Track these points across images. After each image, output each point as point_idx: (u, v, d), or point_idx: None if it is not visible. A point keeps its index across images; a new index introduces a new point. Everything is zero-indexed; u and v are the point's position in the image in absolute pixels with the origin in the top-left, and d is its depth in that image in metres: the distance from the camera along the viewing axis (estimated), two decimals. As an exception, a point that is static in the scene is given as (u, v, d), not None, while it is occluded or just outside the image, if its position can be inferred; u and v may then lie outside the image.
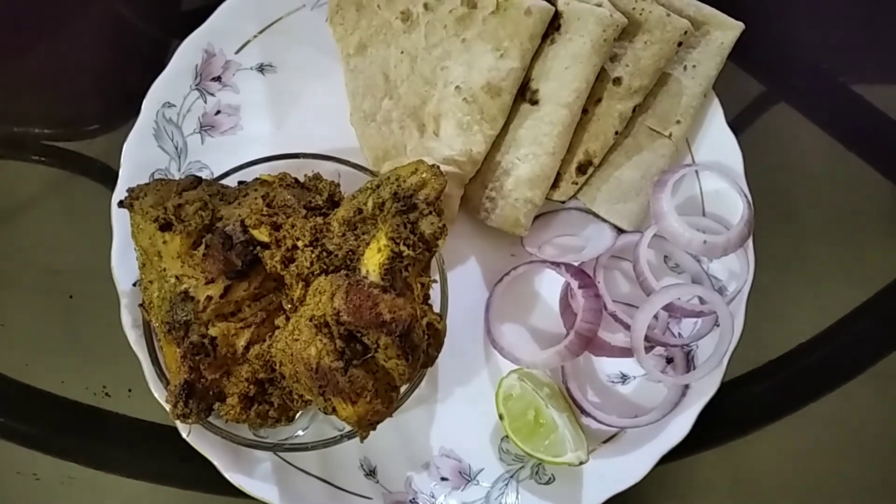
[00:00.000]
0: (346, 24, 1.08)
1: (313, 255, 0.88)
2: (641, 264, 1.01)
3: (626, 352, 0.99)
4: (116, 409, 1.08)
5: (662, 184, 1.02)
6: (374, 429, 0.87)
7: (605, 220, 1.06)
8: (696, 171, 1.07)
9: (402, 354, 0.83)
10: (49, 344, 1.11)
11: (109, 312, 0.99)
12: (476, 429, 1.02)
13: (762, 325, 1.07)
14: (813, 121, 1.23)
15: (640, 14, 1.00)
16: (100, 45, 1.23)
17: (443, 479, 1.01)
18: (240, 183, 0.98)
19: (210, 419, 0.91)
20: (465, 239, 1.07)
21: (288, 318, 0.89)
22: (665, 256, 1.07)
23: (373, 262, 0.86)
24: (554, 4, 0.97)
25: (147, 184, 0.93)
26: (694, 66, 1.05)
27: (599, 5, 0.98)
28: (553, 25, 0.98)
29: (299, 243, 0.89)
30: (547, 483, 1.00)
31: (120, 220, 1.00)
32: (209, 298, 0.88)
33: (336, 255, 0.88)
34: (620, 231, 1.06)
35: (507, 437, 0.99)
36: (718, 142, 1.06)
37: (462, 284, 1.03)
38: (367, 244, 0.88)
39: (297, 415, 0.95)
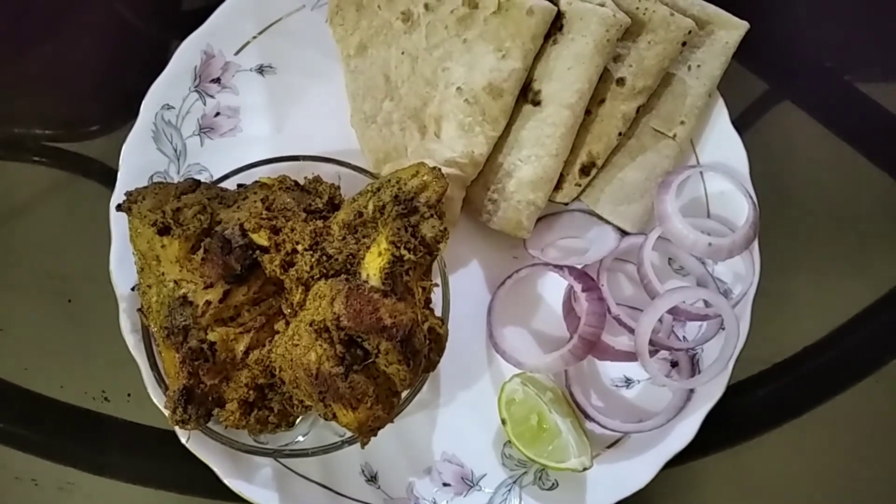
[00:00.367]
0: (347, 25, 1.06)
1: (313, 259, 0.87)
2: (646, 267, 1.00)
3: (630, 356, 0.98)
4: (116, 414, 1.07)
5: (667, 185, 1.01)
6: (375, 435, 0.86)
7: (608, 222, 1.05)
8: (701, 173, 1.05)
9: (403, 360, 0.82)
10: (48, 348, 1.10)
11: (109, 316, 0.99)
12: (478, 434, 1.01)
13: (767, 327, 1.06)
14: (817, 119, 1.21)
15: (644, 13, 0.99)
16: (100, 45, 1.23)
17: (445, 484, 1.00)
18: (239, 186, 0.97)
19: (209, 425, 0.90)
20: (467, 241, 1.06)
21: (288, 323, 0.89)
22: (669, 259, 1.06)
23: (373, 266, 0.85)
24: (556, 4, 0.96)
25: (145, 187, 0.92)
26: (698, 66, 1.03)
27: (602, 5, 0.96)
28: (555, 25, 0.97)
29: (299, 247, 0.88)
30: (550, 489, 0.99)
31: (118, 223, 1.00)
32: (208, 303, 0.87)
33: (336, 259, 0.87)
34: (624, 233, 1.05)
35: (509, 442, 0.98)
36: (723, 142, 1.05)
37: (464, 287, 1.02)
38: (368, 248, 0.87)
39: (298, 420, 0.94)
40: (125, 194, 0.91)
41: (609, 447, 1.00)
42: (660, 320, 0.98)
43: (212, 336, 0.88)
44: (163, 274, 0.89)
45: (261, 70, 1.10)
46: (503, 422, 0.97)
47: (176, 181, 1.05)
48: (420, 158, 0.99)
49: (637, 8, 0.99)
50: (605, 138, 1.02)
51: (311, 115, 1.09)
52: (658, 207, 1.01)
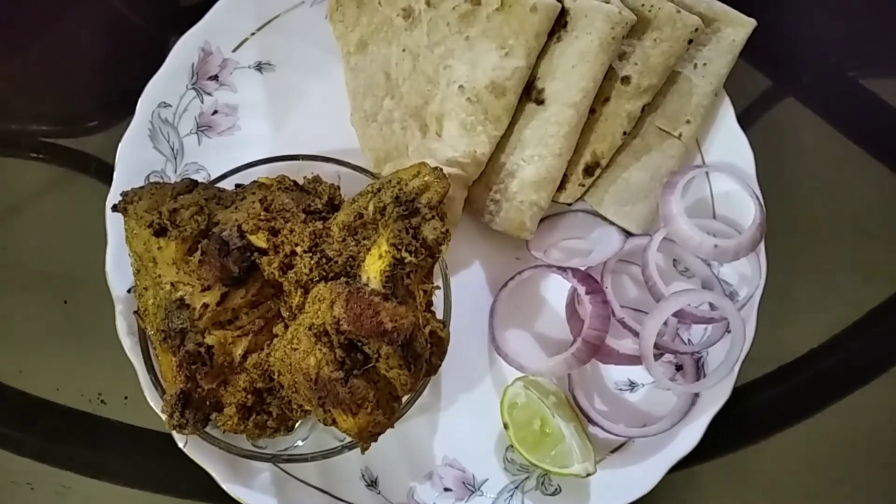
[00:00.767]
0: (347, 22, 1.05)
1: (312, 262, 0.86)
2: (650, 269, 0.98)
3: (635, 359, 0.96)
4: (112, 417, 1.06)
5: (672, 185, 0.99)
6: (376, 440, 0.85)
7: (612, 223, 1.04)
8: (707, 173, 1.04)
9: (404, 364, 0.81)
10: (43, 350, 1.09)
11: (105, 318, 0.97)
12: (480, 438, 1.00)
13: (772, 329, 1.04)
14: (823, 117, 1.20)
15: (650, 11, 0.97)
16: (97, 41, 1.21)
17: (446, 489, 0.98)
18: (237, 186, 0.96)
19: (207, 429, 0.89)
20: (469, 242, 1.04)
21: (286, 326, 0.87)
22: (674, 260, 1.05)
23: (374, 268, 0.83)
24: (560, 1, 0.94)
25: (141, 187, 0.91)
26: (705, 65, 1.02)
27: (608, 2, 0.95)
28: (559, 22, 0.95)
29: (298, 249, 0.86)
30: (553, 494, 0.98)
31: (114, 224, 0.98)
32: (205, 306, 0.86)
33: (336, 262, 0.86)
34: (628, 234, 1.03)
35: (511, 446, 0.96)
36: (729, 142, 1.04)
37: (465, 289, 1.01)
38: (368, 250, 0.85)
39: (297, 424, 0.92)
40: (121, 194, 0.90)
41: (613, 452, 0.99)
42: (665, 323, 0.96)
43: (209, 339, 0.86)
44: (159, 276, 0.87)
45: (259, 67, 1.08)
46: (505, 426, 0.96)
47: (173, 180, 1.04)
48: (421, 158, 0.97)
49: (643, 5, 0.97)
50: (610, 138, 1.00)
51: (310, 113, 1.08)
52: (663, 208, 0.99)
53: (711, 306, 0.98)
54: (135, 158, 1.02)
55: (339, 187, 0.95)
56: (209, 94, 1.07)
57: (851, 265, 1.14)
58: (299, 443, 0.95)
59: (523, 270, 1.01)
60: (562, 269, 0.99)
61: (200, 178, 1.05)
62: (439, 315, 0.92)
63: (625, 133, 1.01)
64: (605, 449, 0.99)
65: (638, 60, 0.98)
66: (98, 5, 1.23)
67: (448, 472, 0.99)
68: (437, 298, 0.92)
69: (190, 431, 0.87)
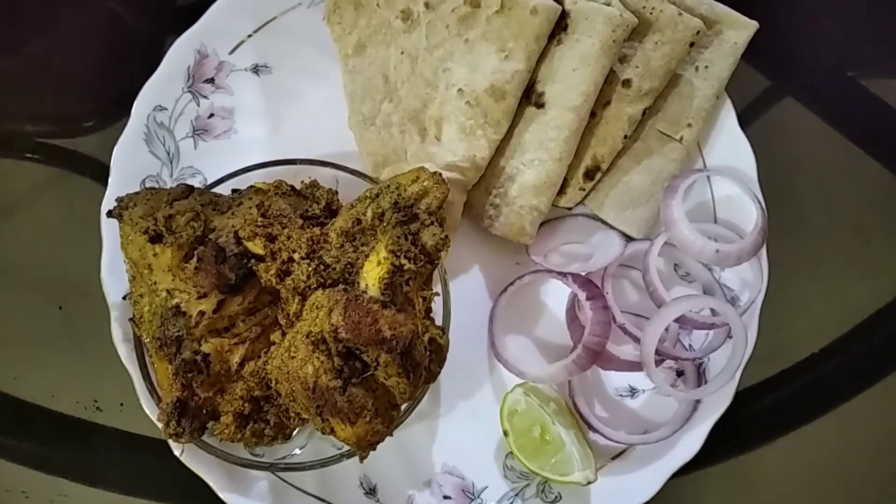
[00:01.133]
0: (344, 24, 1.03)
1: (310, 269, 0.84)
2: (651, 274, 0.97)
3: (636, 365, 0.96)
4: (108, 424, 1.05)
5: (673, 189, 0.98)
6: (374, 449, 0.84)
7: (613, 228, 1.03)
8: (708, 177, 1.03)
9: (403, 372, 0.80)
10: (38, 356, 1.08)
11: (100, 324, 0.96)
12: (480, 445, 0.99)
13: (774, 333, 1.03)
14: (825, 119, 1.19)
15: (651, 13, 0.96)
16: (93, 41, 1.20)
17: (445, 497, 0.98)
18: (233, 191, 0.95)
19: (204, 437, 0.88)
20: (468, 247, 1.03)
21: (284, 334, 0.86)
22: (675, 265, 1.04)
23: (372, 275, 0.82)
24: (561, 3, 0.93)
25: (137, 193, 0.89)
26: (706, 67, 1.01)
27: (608, 4, 0.94)
28: (560, 25, 0.94)
29: (295, 256, 0.85)
30: (553, 502, 0.97)
31: (109, 230, 0.97)
32: (202, 314, 0.84)
33: (334, 269, 0.84)
34: (629, 239, 1.02)
35: (511, 453, 0.95)
36: (731, 145, 1.03)
37: (465, 294, 1.00)
38: (367, 256, 0.84)
39: (294, 432, 0.91)
40: (116, 200, 0.89)
41: (614, 458, 0.98)
42: (666, 329, 0.95)
43: (206, 347, 0.85)
44: (155, 283, 0.86)
45: (256, 70, 1.07)
46: (505, 433, 0.95)
47: (169, 185, 1.03)
48: (420, 162, 0.96)
49: (644, 7, 0.96)
50: (611, 141, 0.99)
51: (307, 116, 1.07)
52: (664, 212, 0.98)
53: (713, 312, 0.98)
54: (130, 163, 1.01)
55: (336, 192, 0.94)
56: (205, 97, 1.05)
57: (852, 268, 1.13)
58: (297, 451, 0.94)
59: (523, 275, 1.01)
60: (562, 275, 0.98)
61: (197, 182, 1.04)
62: (438, 321, 0.91)
63: (626, 137, 1.00)
64: (605, 455, 0.98)
65: (639, 63, 0.97)
66: (94, 5, 1.22)
67: (447, 480, 0.98)
68: (437, 304, 0.91)
69: (186, 440, 0.86)
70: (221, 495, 0.93)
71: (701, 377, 0.99)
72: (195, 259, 0.85)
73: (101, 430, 1.05)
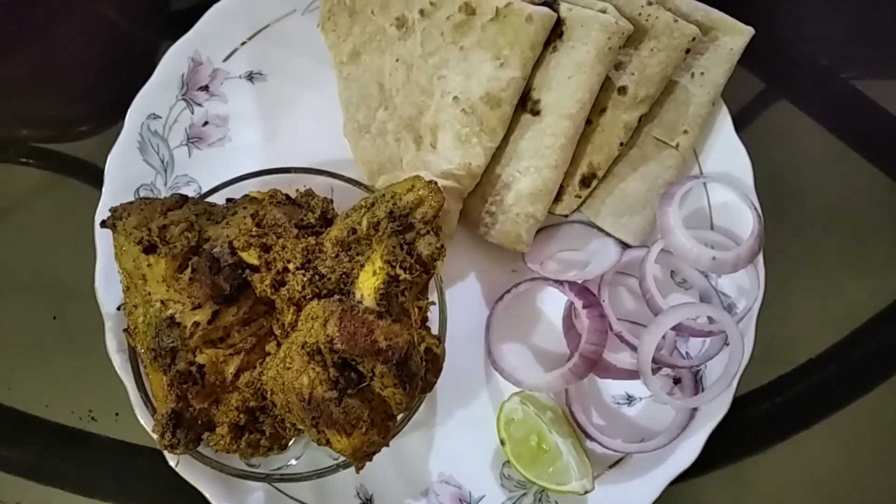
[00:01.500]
0: (339, 31, 1.03)
1: (305, 279, 0.84)
2: (648, 281, 0.97)
3: (632, 374, 0.95)
4: (103, 434, 1.04)
5: (669, 196, 0.98)
6: (371, 460, 0.84)
7: (609, 235, 1.03)
8: (704, 183, 1.03)
9: (399, 383, 0.80)
10: (33, 366, 1.07)
11: (95, 333, 0.96)
12: (476, 454, 0.99)
13: (771, 339, 1.03)
14: (818, 121, 1.19)
15: (647, 20, 0.96)
16: (88, 45, 1.19)
17: (442, 506, 0.97)
18: (228, 200, 0.94)
19: (199, 448, 0.87)
20: (464, 255, 1.03)
21: (279, 344, 0.86)
22: (672, 271, 1.04)
23: (368, 285, 0.82)
24: (556, 11, 0.93)
25: (130, 203, 0.89)
26: (702, 74, 1.00)
27: (604, 11, 0.93)
28: (555, 32, 0.94)
29: (290, 266, 0.85)
30: (550, 511, 0.97)
31: (103, 239, 0.96)
32: (196, 324, 0.84)
33: (329, 279, 0.84)
34: (626, 246, 1.02)
35: (508, 462, 0.95)
36: (727, 152, 1.03)
37: (461, 303, 1.00)
38: (362, 266, 0.84)
39: (290, 443, 0.91)
40: (109, 210, 0.88)
41: (611, 467, 0.98)
42: (662, 337, 0.95)
43: (200, 358, 0.85)
44: (149, 294, 0.86)
45: (250, 77, 1.06)
46: (502, 442, 0.95)
47: (163, 193, 1.03)
48: (415, 170, 0.96)
49: (639, 14, 0.96)
50: (607, 148, 0.99)
51: (302, 124, 1.06)
52: (660, 219, 0.98)
53: (710, 319, 0.97)
54: (124, 171, 1.01)
55: (332, 200, 0.94)
56: (199, 104, 1.05)
57: (849, 274, 1.13)
58: (293, 461, 0.94)
59: (519, 283, 1.00)
60: (558, 283, 0.98)
61: (191, 190, 1.03)
62: (434, 330, 0.90)
63: (622, 143, 0.99)
64: (602, 464, 0.98)
65: (635, 70, 0.97)
66: (88, 10, 1.21)
67: (444, 489, 0.98)
68: (433, 313, 0.90)
69: (182, 451, 0.86)
70: (217, 506, 0.92)
71: (698, 385, 0.99)
72: (189, 269, 0.84)
73: (96, 439, 1.04)
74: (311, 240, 0.87)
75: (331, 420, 0.79)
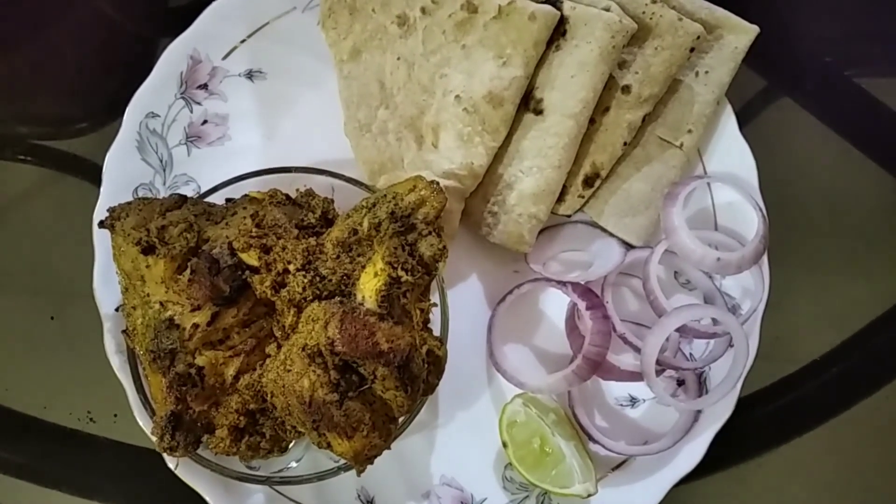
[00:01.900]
0: (339, 29, 1.02)
1: (306, 280, 0.83)
2: (652, 282, 0.96)
3: (636, 375, 0.94)
4: (102, 435, 1.04)
5: (673, 196, 0.97)
6: (372, 463, 0.83)
7: (612, 235, 1.02)
8: (709, 183, 1.02)
9: (400, 385, 0.79)
10: (31, 366, 1.06)
11: (93, 333, 0.95)
12: (478, 456, 0.98)
13: (774, 341, 1.02)
14: (822, 120, 1.18)
15: (651, 18, 0.95)
16: (86, 43, 1.19)
17: (444, 509, 0.97)
18: (227, 200, 0.93)
19: (199, 451, 0.87)
20: (466, 255, 1.02)
21: (279, 346, 0.85)
22: (676, 272, 1.03)
23: (369, 287, 0.81)
24: (559, 9, 0.92)
25: (129, 203, 0.88)
26: (706, 73, 0.99)
27: (608, 9, 0.92)
28: (558, 31, 0.93)
29: (291, 267, 0.84)
30: (553, 514, 0.96)
31: (102, 240, 0.96)
32: (195, 326, 0.83)
33: (330, 280, 0.83)
34: (629, 246, 1.01)
35: (510, 465, 0.94)
36: (732, 151, 1.02)
37: (463, 303, 0.99)
38: (363, 267, 0.83)
39: (290, 445, 0.90)
40: (108, 210, 0.87)
41: (614, 469, 0.97)
42: (666, 339, 0.94)
43: (200, 360, 0.84)
44: (148, 295, 0.85)
45: (250, 75, 1.05)
46: (504, 445, 0.94)
47: (162, 193, 1.02)
48: (417, 170, 0.95)
49: (643, 12, 0.95)
50: (610, 148, 0.98)
51: (302, 122, 1.05)
52: (664, 220, 0.97)
53: (714, 321, 0.97)
54: (122, 171, 1.00)
55: (332, 200, 0.93)
56: (198, 103, 1.04)
57: (854, 275, 1.12)
58: (293, 464, 0.93)
59: (522, 284, 0.99)
60: (561, 284, 0.97)
61: (190, 189, 1.02)
62: (436, 331, 0.89)
63: (625, 143, 0.98)
64: (606, 466, 0.97)
65: (639, 69, 0.96)
66: (86, 7, 1.20)
67: (446, 492, 0.97)
68: (434, 314, 0.90)
69: (181, 454, 0.85)
70: (217, 509, 0.92)
71: (702, 387, 0.98)
72: (189, 271, 0.83)
73: (95, 441, 1.04)
74: (312, 241, 0.86)
75: (332, 423, 0.79)
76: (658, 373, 0.95)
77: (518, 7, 0.90)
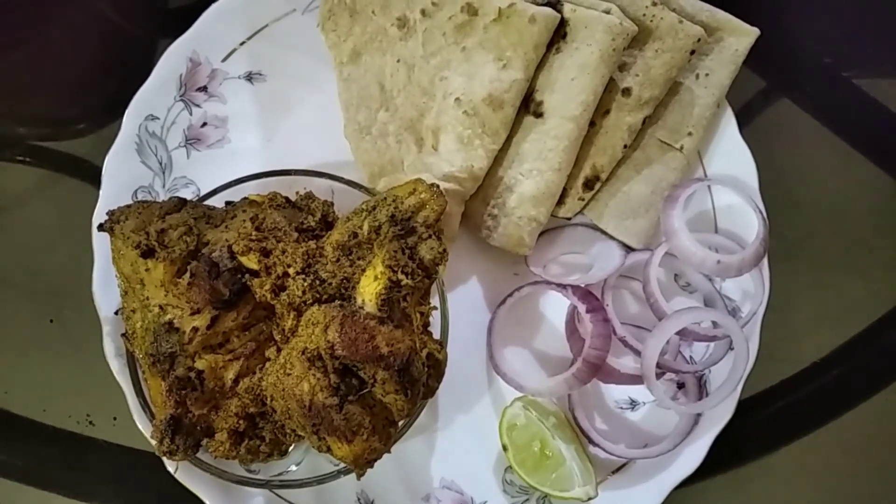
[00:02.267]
0: (339, 31, 1.02)
1: (305, 284, 0.83)
2: (652, 285, 0.96)
3: (636, 378, 0.94)
4: (101, 438, 1.03)
5: (673, 199, 0.97)
6: (372, 467, 0.83)
7: (613, 238, 1.02)
8: (709, 186, 1.02)
9: (400, 389, 0.79)
10: (30, 370, 1.06)
11: (93, 336, 0.95)
12: (478, 459, 0.98)
13: (775, 343, 1.02)
14: (823, 122, 1.17)
15: (651, 21, 0.95)
16: (85, 43, 1.19)
17: (444, 512, 0.97)
18: (227, 203, 0.93)
19: (198, 455, 0.86)
20: (466, 258, 1.02)
21: (279, 350, 0.85)
22: (676, 275, 1.03)
23: (369, 291, 0.81)
24: (560, 11, 0.92)
25: (128, 206, 0.88)
26: (707, 75, 0.99)
27: (608, 12, 0.92)
28: (559, 33, 0.93)
29: (290, 270, 0.84)
30: (553, 517, 0.96)
31: (101, 243, 0.95)
32: (195, 330, 0.83)
33: (330, 284, 0.83)
34: (629, 249, 1.01)
35: (511, 468, 0.94)
36: (732, 154, 1.02)
37: (463, 306, 0.99)
38: (363, 271, 0.83)
39: (290, 448, 0.90)
40: (107, 213, 0.87)
41: (614, 472, 0.97)
42: (667, 342, 0.94)
43: (199, 364, 0.84)
44: (147, 298, 0.85)
45: (249, 77, 1.05)
46: (504, 448, 0.94)
47: (161, 196, 1.02)
48: (417, 172, 0.95)
49: (644, 15, 0.95)
50: (610, 151, 0.98)
51: (302, 125, 1.05)
52: (664, 223, 0.97)
53: (714, 324, 0.97)
54: (122, 173, 1.00)
55: (332, 203, 0.92)
56: (198, 105, 1.04)
57: (854, 277, 1.12)
58: (293, 467, 0.93)
59: (522, 287, 0.99)
60: (561, 287, 0.97)
61: (189, 192, 1.02)
62: (436, 335, 0.89)
63: (625, 146, 0.98)
64: (606, 469, 0.97)
65: (639, 72, 0.96)
66: (85, 8, 1.20)
67: (446, 495, 0.97)
68: (434, 317, 0.90)
69: (181, 457, 0.85)
70: (216, 512, 0.91)
71: (702, 390, 0.98)
72: (188, 274, 0.83)
73: (94, 444, 1.03)
74: (312, 244, 0.86)
75: (332, 427, 0.78)
76: (658, 376, 0.95)
77: (518, 9, 0.90)
